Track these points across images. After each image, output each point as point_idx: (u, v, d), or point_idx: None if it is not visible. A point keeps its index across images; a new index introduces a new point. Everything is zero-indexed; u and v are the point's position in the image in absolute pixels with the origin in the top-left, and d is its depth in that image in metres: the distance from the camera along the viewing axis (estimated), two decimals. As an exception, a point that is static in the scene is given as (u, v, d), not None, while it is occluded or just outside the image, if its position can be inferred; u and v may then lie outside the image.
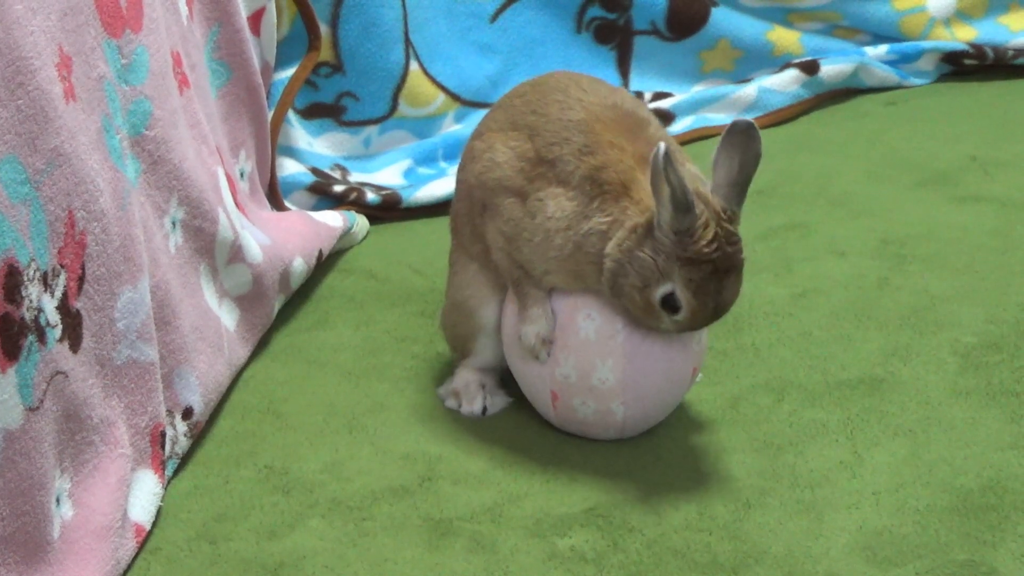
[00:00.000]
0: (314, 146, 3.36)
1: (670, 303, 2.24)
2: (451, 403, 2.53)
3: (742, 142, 2.21)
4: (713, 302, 2.23)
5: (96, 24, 2.21)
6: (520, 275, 2.37)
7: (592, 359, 2.35)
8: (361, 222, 3.15)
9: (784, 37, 3.84)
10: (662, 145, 2.13)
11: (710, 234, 2.19)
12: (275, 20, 3.07)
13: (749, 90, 3.71)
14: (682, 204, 2.16)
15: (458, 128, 3.51)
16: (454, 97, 3.52)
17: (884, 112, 3.73)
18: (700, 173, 2.31)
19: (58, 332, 2.04)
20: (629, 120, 2.33)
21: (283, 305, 2.81)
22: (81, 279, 2.11)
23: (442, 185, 3.28)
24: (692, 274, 2.20)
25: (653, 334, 2.33)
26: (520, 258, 2.35)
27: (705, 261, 2.19)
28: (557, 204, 2.29)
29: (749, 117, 3.65)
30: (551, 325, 2.36)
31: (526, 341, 2.37)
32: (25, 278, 1.96)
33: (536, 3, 3.67)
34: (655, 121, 2.37)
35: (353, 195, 3.22)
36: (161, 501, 2.27)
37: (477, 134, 2.45)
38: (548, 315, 2.36)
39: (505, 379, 2.55)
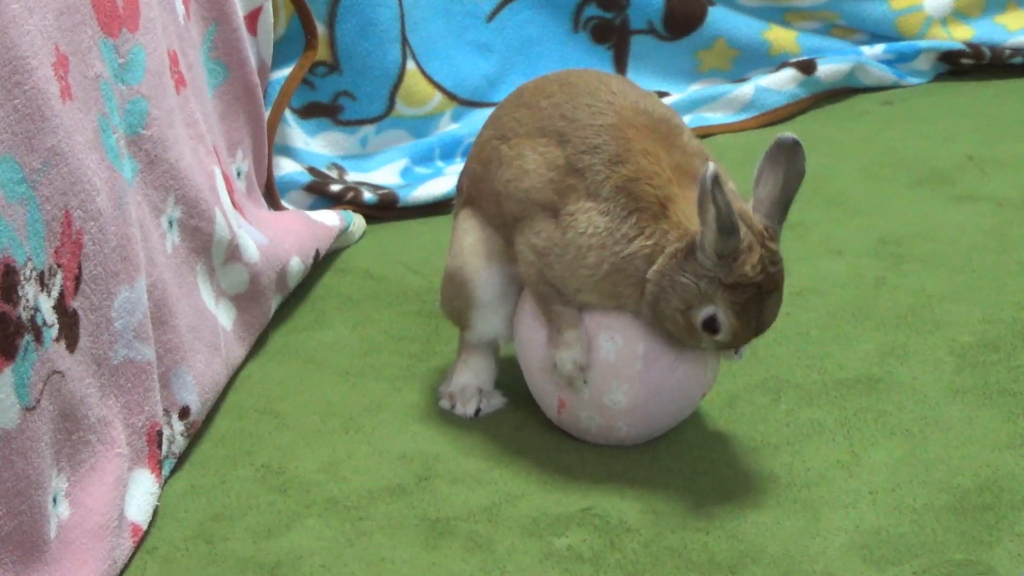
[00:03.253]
0: (311, 145, 3.36)
1: (711, 325, 2.22)
2: (444, 404, 2.52)
3: (787, 158, 2.19)
4: (756, 322, 2.22)
5: (93, 23, 2.21)
6: (550, 293, 2.32)
7: (608, 380, 2.33)
8: (358, 221, 3.15)
9: (781, 36, 3.84)
10: (711, 165, 2.09)
11: (754, 258, 2.17)
12: (272, 19, 3.07)
13: (746, 89, 3.71)
14: (727, 227, 2.13)
15: (455, 127, 3.51)
16: (451, 96, 3.52)
17: (881, 111, 3.73)
18: (736, 189, 2.28)
19: (55, 332, 2.04)
20: (663, 127, 2.28)
21: (280, 304, 2.80)
22: (78, 278, 2.11)
23: (439, 184, 3.27)
24: (736, 297, 2.19)
25: (672, 361, 2.31)
26: (551, 275, 2.30)
27: (749, 284, 2.18)
28: (588, 219, 2.25)
29: (746, 116, 3.70)
30: (587, 349, 2.31)
31: (563, 369, 2.31)
32: (22, 277, 1.96)
33: (533, 2, 3.67)
34: (688, 129, 2.33)
35: (350, 194, 3.22)
36: (158, 500, 2.27)
37: (502, 136, 2.38)
38: (584, 338, 2.31)
39: (501, 380, 2.55)
